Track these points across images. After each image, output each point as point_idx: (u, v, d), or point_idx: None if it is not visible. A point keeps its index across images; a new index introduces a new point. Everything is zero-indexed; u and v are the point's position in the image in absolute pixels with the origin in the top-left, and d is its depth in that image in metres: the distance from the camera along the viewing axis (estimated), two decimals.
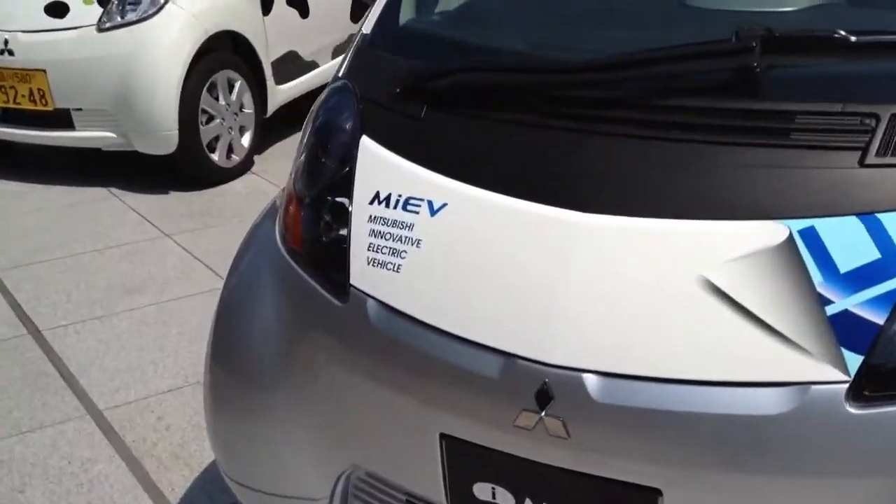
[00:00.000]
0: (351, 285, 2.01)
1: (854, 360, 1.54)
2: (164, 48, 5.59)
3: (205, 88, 5.82)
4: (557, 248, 1.76)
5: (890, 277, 1.55)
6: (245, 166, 6.29)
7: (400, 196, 2.00)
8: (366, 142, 2.13)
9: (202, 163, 5.97)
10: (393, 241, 1.97)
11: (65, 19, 5.71)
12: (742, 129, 1.73)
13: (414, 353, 1.88)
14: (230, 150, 6.15)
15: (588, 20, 2.29)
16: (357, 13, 6.82)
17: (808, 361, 1.56)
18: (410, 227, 1.95)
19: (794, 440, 1.56)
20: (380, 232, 2.00)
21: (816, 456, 1.55)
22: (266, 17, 6.29)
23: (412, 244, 1.94)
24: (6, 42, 5.73)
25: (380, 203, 2.02)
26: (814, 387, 1.56)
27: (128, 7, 5.64)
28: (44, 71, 5.69)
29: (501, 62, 2.02)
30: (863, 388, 1.54)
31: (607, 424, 1.67)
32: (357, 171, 2.11)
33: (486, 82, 1.99)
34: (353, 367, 2.00)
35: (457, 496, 1.91)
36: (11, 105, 5.89)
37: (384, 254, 1.97)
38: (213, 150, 6.02)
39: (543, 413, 1.70)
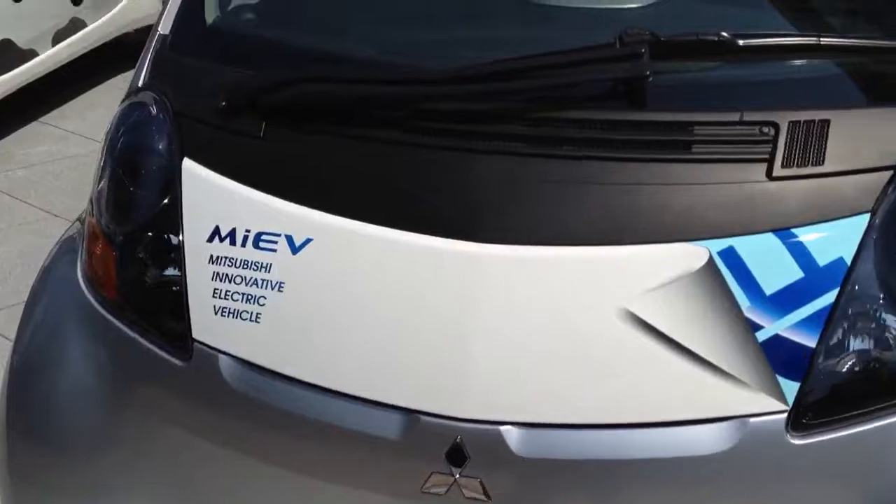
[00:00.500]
0: (194, 340, 1.70)
1: (791, 388, 1.47)
2: None
3: None
4: (457, 286, 1.56)
5: (816, 296, 1.49)
6: None
7: (248, 231, 1.70)
8: (190, 166, 1.80)
9: None
10: (246, 285, 1.67)
11: None
12: (642, 143, 1.60)
13: (286, 416, 1.62)
14: None
15: (427, 17, 2.08)
16: None
17: (744, 393, 1.47)
18: (267, 267, 1.66)
19: (736, 479, 1.47)
20: (227, 275, 1.69)
21: (761, 494, 1.47)
22: None
23: (272, 288, 1.65)
24: None
25: (222, 240, 1.71)
26: (752, 420, 1.47)
27: None
28: None
29: (364, 71, 1.77)
30: (802, 416, 1.47)
31: (533, 480, 1.50)
32: (184, 201, 1.78)
33: (345, 93, 1.73)
34: (205, 436, 1.69)
35: None
36: None
37: (236, 301, 1.67)
38: None
39: (458, 474, 1.50)
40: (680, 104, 1.63)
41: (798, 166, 1.54)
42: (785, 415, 1.47)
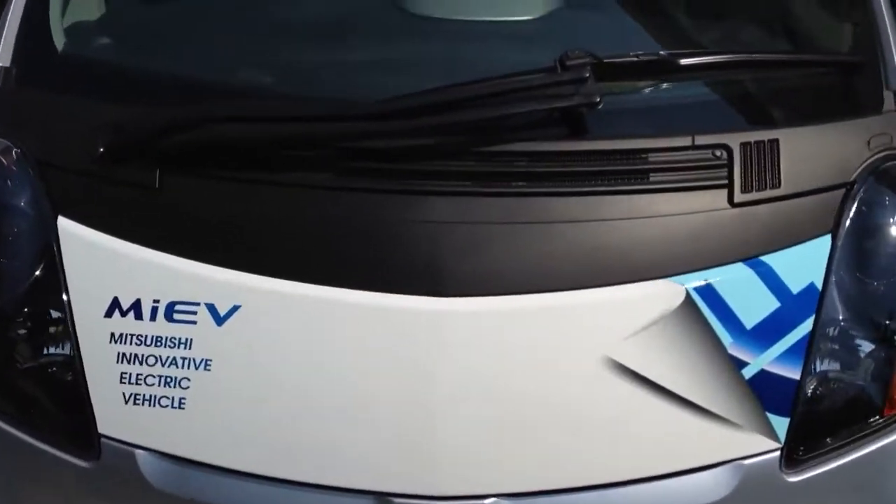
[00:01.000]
0: (101, 435, 1.43)
1: (781, 424, 1.41)
2: None
3: None
4: (414, 350, 1.39)
5: (794, 325, 1.44)
6: None
7: (157, 302, 1.45)
8: (68, 226, 1.52)
9: None
10: (163, 365, 1.43)
11: None
12: (598, 173, 1.49)
13: None
14: None
15: (304, 35, 1.87)
16: None
17: (738, 435, 1.40)
18: (188, 343, 1.43)
19: None
20: (136, 355, 1.44)
21: None
22: None
23: (196, 367, 1.42)
24: None
25: (124, 314, 1.46)
26: (747, 461, 1.40)
27: None
28: None
29: (284, 107, 1.54)
30: (794, 452, 1.42)
31: None
32: (66, 269, 1.50)
33: (261, 133, 1.50)
34: None
35: None
36: None
37: (152, 385, 1.43)
38: None
39: None
40: (630, 130, 1.53)
41: (757, 190, 1.49)
42: (778, 452, 1.41)
